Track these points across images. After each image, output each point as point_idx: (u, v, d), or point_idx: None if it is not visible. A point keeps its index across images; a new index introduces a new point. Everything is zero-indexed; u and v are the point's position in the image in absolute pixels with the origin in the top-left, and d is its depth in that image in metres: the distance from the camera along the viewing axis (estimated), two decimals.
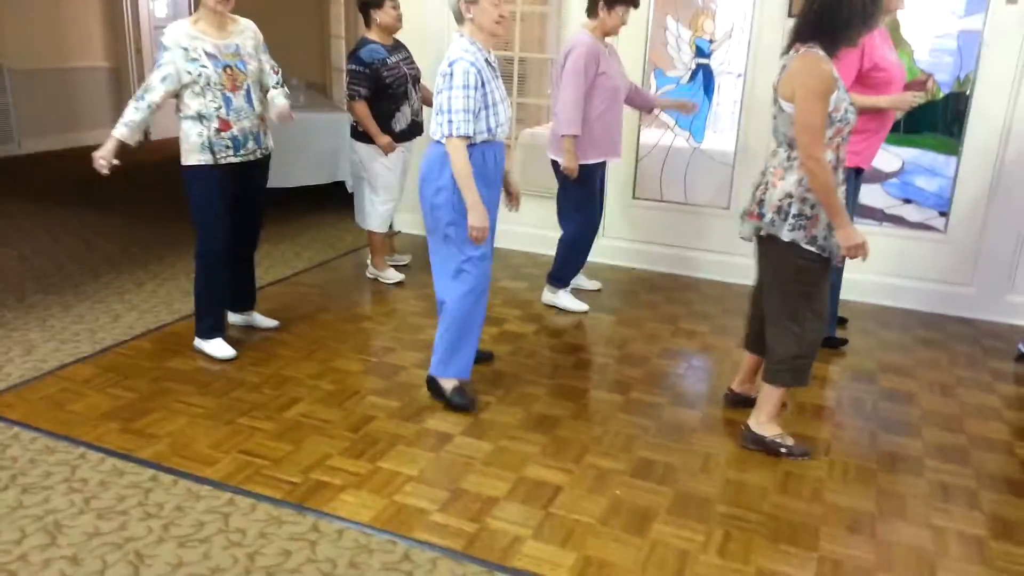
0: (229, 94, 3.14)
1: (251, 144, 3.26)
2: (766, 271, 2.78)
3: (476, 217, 2.79)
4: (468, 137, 2.77)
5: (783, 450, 2.82)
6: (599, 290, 4.42)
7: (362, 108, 4.06)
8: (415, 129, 4.27)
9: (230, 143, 3.18)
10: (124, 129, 3.08)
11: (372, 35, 4.08)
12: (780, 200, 2.60)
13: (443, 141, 2.78)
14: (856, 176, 3.45)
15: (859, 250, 2.56)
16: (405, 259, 4.76)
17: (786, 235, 2.59)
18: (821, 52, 2.50)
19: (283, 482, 2.54)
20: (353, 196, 5.16)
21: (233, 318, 3.69)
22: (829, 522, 2.45)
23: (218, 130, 3.15)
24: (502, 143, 2.98)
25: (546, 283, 4.21)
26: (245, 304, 3.70)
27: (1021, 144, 3.99)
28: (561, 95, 3.73)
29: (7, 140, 7.71)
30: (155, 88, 3.08)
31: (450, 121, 2.74)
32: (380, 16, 4.03)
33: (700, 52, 4.51)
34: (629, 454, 2.80)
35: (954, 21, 4.03)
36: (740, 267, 4.57)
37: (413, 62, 4.21)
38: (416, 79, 4.19)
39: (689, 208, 4.76)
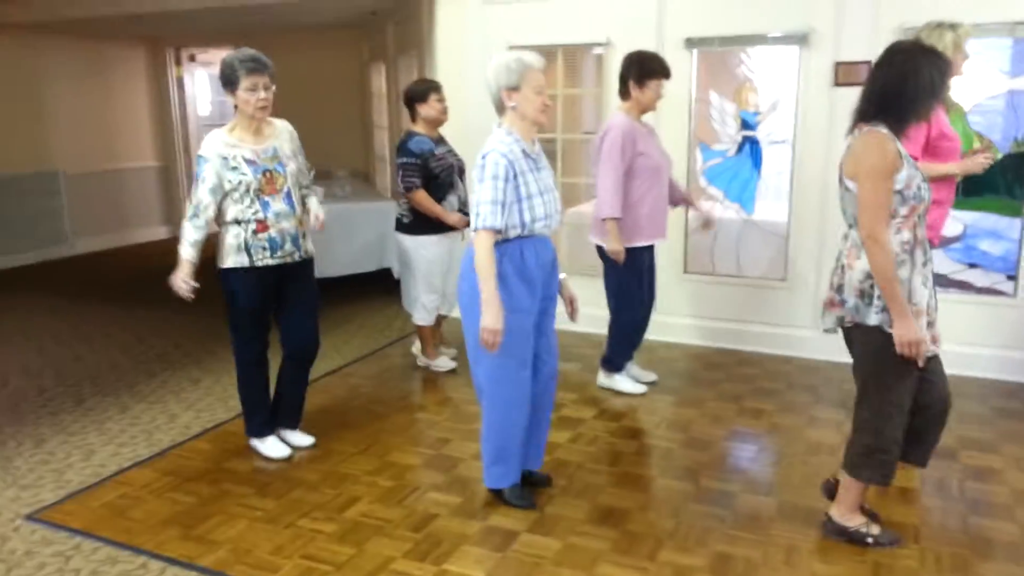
0: (268, 198, 3.13)
1: (289, 246, 3.19)
2: (856, 361, 2.64)
3: (488, 316, 2.61)
4: (496, 230, 2.66)
5: (870, 540, 2.65)
6: (655, 382, 4.22)
7: (422, 196, 4.09)
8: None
9: (267, 244, 3.15)
10: (191, 250, 3.11)
11: (418, 127, 4.16)
12: (860, 283, 2.48)
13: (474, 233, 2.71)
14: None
15: (913, 347, 2.39)
16: (451, 353, 4.62)
17: (873, 319, 2.46)
18: (885, 131, 2.44)
19: None
20: (400, 282, 5.17)
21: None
22: None
23: (255, 232, 3.13)
24: (546, 239, 2.85)
25: (600, 367, 4.12)
26: (285, 421, 3.49)
27: None
28: (599, 180, 3.72)
29: (60, 241, 7.99)
30: (206, 202, 3.08)
31: (478, 213, 2.67)
32: (425, 110, 4.12)
33: (746, 125, 4.50)
34: (706, 548, 2.65)
35: (1004, 81, 3.97)
36: (801, 340, 4.45)
37: (456, 153, 4.27)
38: (461, 170, 4.24)
39: (743, 280, 4.67)
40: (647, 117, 3.89)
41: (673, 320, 4.82)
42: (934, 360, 2.62)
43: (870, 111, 2.46)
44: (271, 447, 3.38)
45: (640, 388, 4.04)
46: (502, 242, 2.72)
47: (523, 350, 2.81)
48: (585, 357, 4.52)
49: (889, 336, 2.43)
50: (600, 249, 3.84)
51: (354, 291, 6.12)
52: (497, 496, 2.97)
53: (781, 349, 4.58)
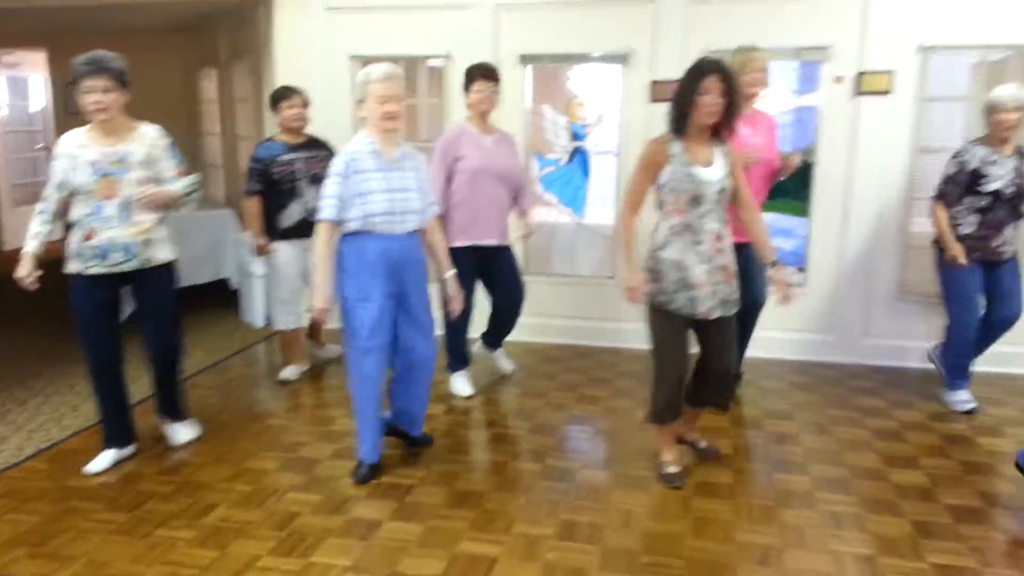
0: (101, 203, 3.10)
1: (118, 255, 3.13)
2: None
3: (317, 296, 3.04)
4: (332, 222, 3.01)
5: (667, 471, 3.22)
6: (512, 373, 4.49)
7: (250, 204, 4.16)
8: (305, 228, 4.13)
9: (96, 252, 3.12)
10: (35, 242, 3.12)
11: (277, 132, 4.20)
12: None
13: None
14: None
15: (628, 293, 3.07)
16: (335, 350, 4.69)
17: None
18: (664, 134, 3.00)
19: None
20: (238, 293, 5.10)
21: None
22: (742, 558, 2.66)
23: (85, 238, 3.11)
24: (397, 235, 3.07)
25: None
26: (167, 412, 3.54)
27: (861, 204, 4.54)
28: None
29: None
30: (51, 197, 3.13)
31: (322, 207, 3.01)
32: (278, 116, 4.16)
33: (575, 136, 4.89)
34: (554, 518, 2.92)
35: (793, 98, 4.60)
36: (628, 332, 4.87)
37: (323, 161, 4.07)
38: (317, 178, 4.12)
39: (577, 280, 5.05)
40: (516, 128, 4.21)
41: None
42: (711, 329, 3.05)
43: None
44: (101, 460, 3.31)
45: (467, 391, 4.19)
46: (349, 235, 3.03)
47: (368, 338, 3.07)
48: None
49: (651, 308, 3.04)
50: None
51: (191, 303, 5.93)
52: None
53: (611, 342, 4.99)
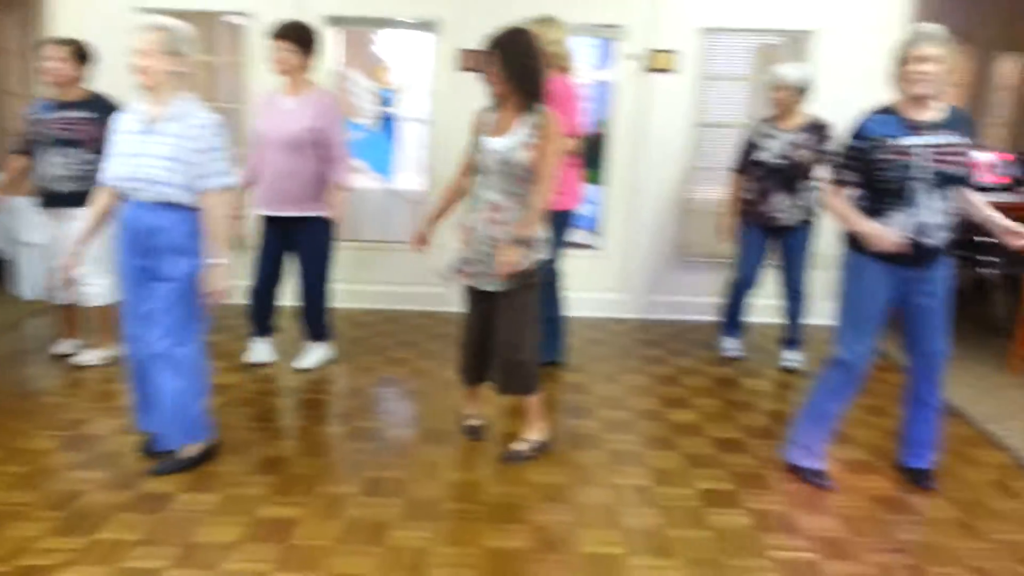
0: None
1: None
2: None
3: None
4: (104, 186, 2.88)
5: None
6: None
7: (12, 160, 3.82)
8: (52, 195, 3.78)
9: None
10: None
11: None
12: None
13: None
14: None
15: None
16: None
17: None
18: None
19: None
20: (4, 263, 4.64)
21: None
22: (534, 498, 2.87)
23: None
24: (145, 204, 2.77)
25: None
26: None
27: (648, 173, 4.91)
28: None
29: None
30: None
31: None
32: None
33: (384, 101, 4.89)
34: (358, 476, 2.98)
35: (592, 73, 4.87)
36: (437, 296, 4.97)
37: (89, 124, 3.73)
38: (71, 141, 3.74)
39: (387, 246, 5.07)
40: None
41: None
42: (495, 304, 3.04)
43: None
44: None
45: (267, 357, 4.09)
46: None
47: (124, 307, 2.91)
48: (233, 328, 4.55)
49: None
50: None
51: None
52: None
53: (421, 305, 5.08)
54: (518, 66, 2.86)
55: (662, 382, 4.06)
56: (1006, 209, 4.27)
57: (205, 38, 5.05)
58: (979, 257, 4.99)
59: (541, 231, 2.97)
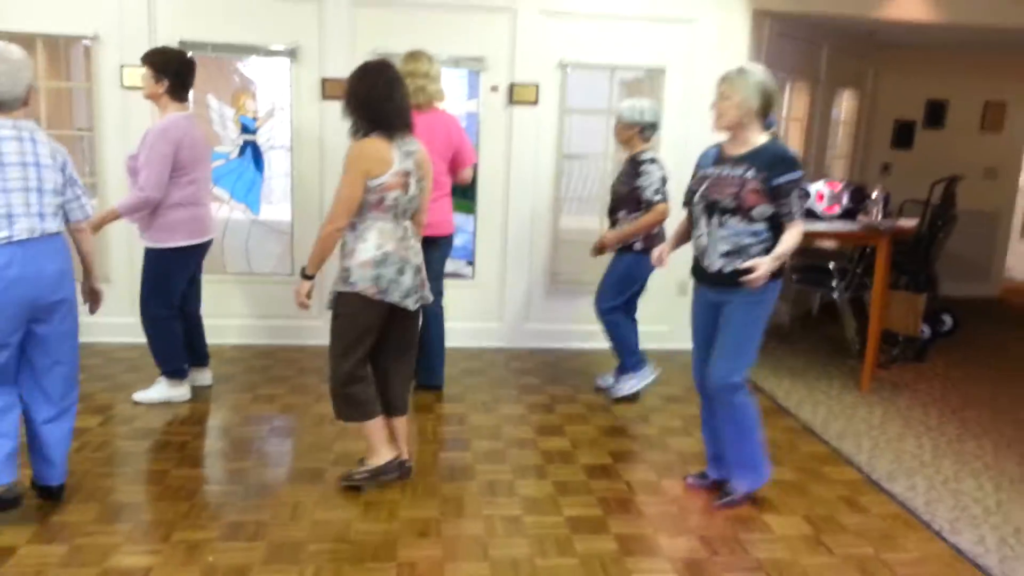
0: None
1: None
2: (414, 324, 3.25)
3: None
4: None
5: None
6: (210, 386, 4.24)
7: None
8: None
9: None
10: None
11: None
12: None
13: None
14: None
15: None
16: None
17: None
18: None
19: None
20: None
21: None
22: (404, 534, 2.85)
23: None
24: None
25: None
26: None
27: (518, 203, 5.02)
28: None
29: None
30: None
31: None
32: None
33: (245, 129, 4.77)
34: (219, 521, 2.87)
35: (462, 104, 4.94)
36: (310, 329, 4.87)
37: None
38: None
39: (254, 278, 4.94)
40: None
41: None
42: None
43: (409, 122, 3.04)
44: None
45: (181, 394, 4.00)
46: None
47: None
48: (92, 367, 4.31)
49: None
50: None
51: None
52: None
53: (293, 339, 4.97)
54: (351, 97, 2.96)
55: (535, 410, 4.14)
56: (837, 236, 4.67)
57: (61, 62, 4.81)
58: (826, 281, 5.40)
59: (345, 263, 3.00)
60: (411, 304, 3.04)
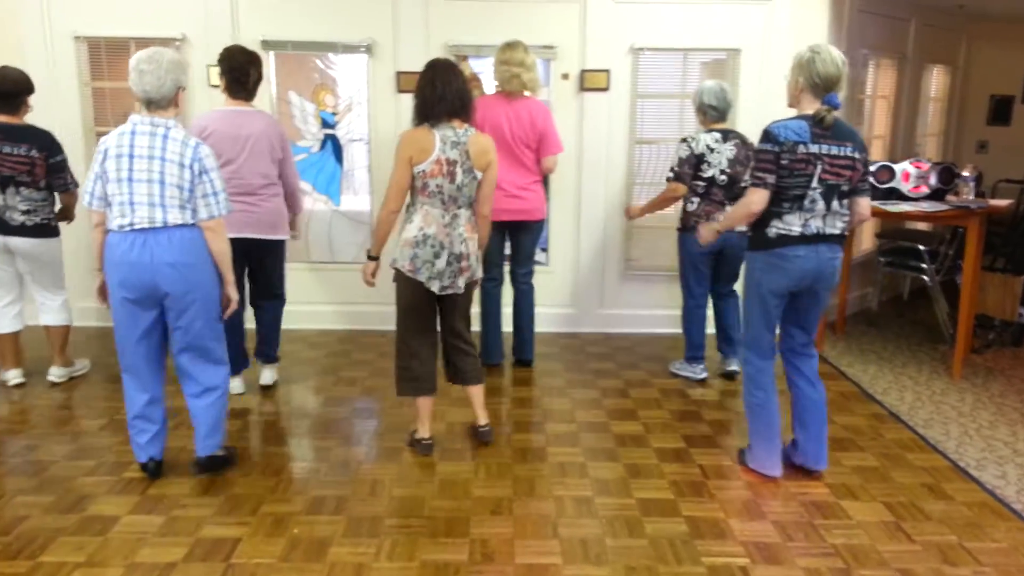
0: None
1: None
2: (461, 306, 3.36)
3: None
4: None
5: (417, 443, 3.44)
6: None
7: None
8: None
9: None
10: None
11: None
12: (478, 249, 3.28)
13: None
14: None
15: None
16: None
17: (481, 273, 3.37)
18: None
19: None
20: None
21: None
22: (477, 511, 2.93)
23: None
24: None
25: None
26: None
27: (590, 189, 5.03)
28: (295, 176, 3.93)
29: None
30: None
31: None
32: None
33: (325, 124, 4.95)
34: (303, 496, 3.02)
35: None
36: (388, 314, 5.01)
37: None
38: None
39: (337, 266, 5.12)
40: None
41: None
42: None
43: (461, 112, 3.14)
44: None
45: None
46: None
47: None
48: None
49: None
50: (284, 242, 3.97)
51: None
52: (220, 466, 3.20)
53: (374, 324, 5.14)
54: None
55: (609, 394, 4.16)
56: (924, 217, 4.50)
57: None
58: (915, 263, 5.20)
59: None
60: (435, 287, 3.19)
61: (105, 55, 4.85)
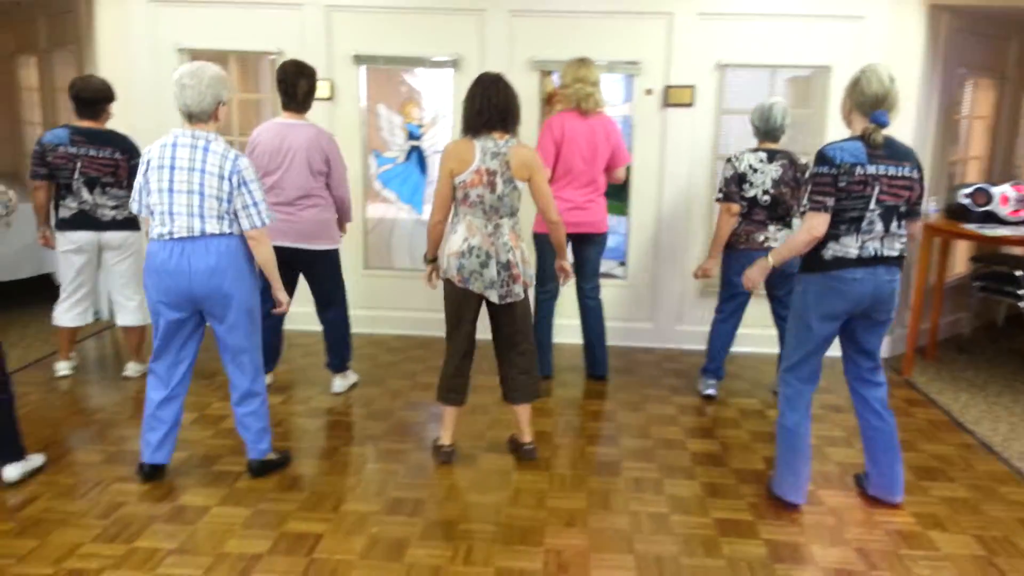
0: None
1: None
2: (519, 317, 3.34)
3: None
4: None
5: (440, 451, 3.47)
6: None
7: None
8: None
9: None
10: None
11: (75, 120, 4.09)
12: (527, 255, 3.31)
13: None
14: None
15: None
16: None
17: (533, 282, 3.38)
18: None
19: None
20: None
21: None
22: (551, 522, 2.94)
23: None
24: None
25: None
26: None
27: (671, 205, 5.01)
28: (344, 186, 3.94)
29: None
30: None
31: (260, 211, 3.02)
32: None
33: (411, 135, 5.08)
34: (382, 496, 3.10)
35: (616, 107, 5.00)
36: None
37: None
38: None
39: (417, 273, 5.23)
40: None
41: (356, 312, 5.19)
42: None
43: (502, 124, 3.18)
44: None
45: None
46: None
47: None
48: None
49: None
50: (333, 252, 4.00)
51: (12, 300, 5.62)
52: (272, 469, 3.28)
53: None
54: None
55: (686, 411, 4.11)
56: (1021, 243, 4.30)
57: (250, 76, 5.33)
58: (1011, 289, 4.97)
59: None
60: (494, 296, 3.22)
61: None
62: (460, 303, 3.27)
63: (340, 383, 4.22)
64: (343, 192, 3.95)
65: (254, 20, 4.94)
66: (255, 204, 2.96)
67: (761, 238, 4.04)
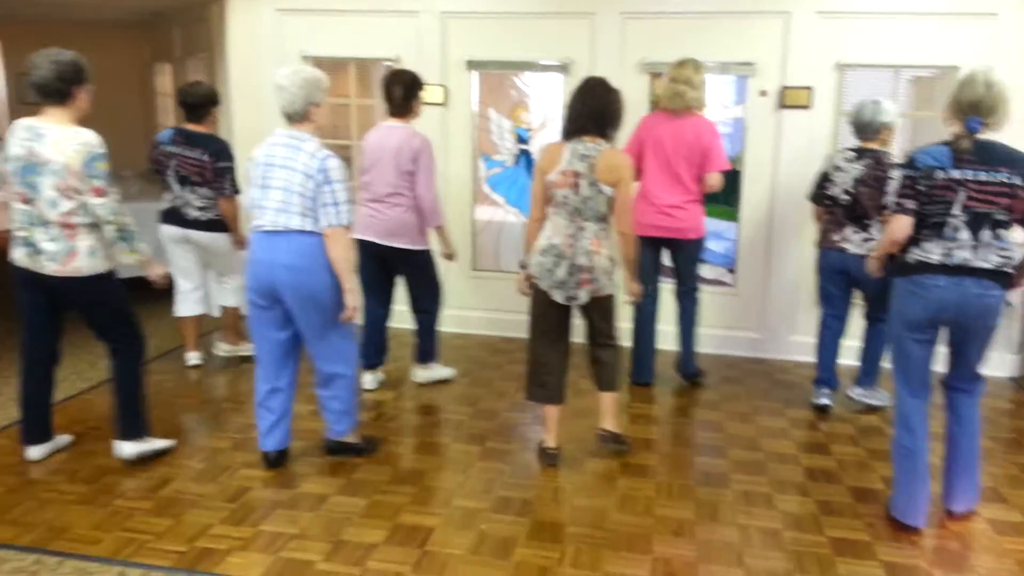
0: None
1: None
2: (598, 314, 3.40)
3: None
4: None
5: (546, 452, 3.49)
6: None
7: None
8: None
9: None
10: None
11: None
12: (606, 263, 3.26)
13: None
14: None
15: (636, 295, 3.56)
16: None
17: (610, 289, 3.32)
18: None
19: (170, 552, 2.67)
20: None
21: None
22: (658, 530, 2.93)
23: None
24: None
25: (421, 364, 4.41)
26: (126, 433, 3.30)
27: (784, 209, 4.86)
28: (429, 190, 3.98)
29: None
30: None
31: (340, 211, 3.06)
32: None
33: (520, 139, 5.14)
34: (490, 494, 3.16)
35: (727, 110, 4.91)
36: (575, 326, 5.10)
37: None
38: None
39: None
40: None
41: (464, 313, 5.33)
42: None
43: (595, 128, 3.21)
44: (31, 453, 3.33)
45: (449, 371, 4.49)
46: None
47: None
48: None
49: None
50: (419, 252, 4.11)
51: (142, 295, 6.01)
52: (349, 453, 3.44)
53: None
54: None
55: (798, 425, 3.99)
56: None
57: (371, 82, 5.53)
58: None
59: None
60: (558, 296, 3.26)
61: (329, 73, 5.31)
62: (537, 298, 3.36)
63: (422, 374, 4.39)
64: (424, 191, 3.97)
65: (373, 28, 5.12)
66: (335, 203, 3.02)
67: (836, 237, 3.96)
